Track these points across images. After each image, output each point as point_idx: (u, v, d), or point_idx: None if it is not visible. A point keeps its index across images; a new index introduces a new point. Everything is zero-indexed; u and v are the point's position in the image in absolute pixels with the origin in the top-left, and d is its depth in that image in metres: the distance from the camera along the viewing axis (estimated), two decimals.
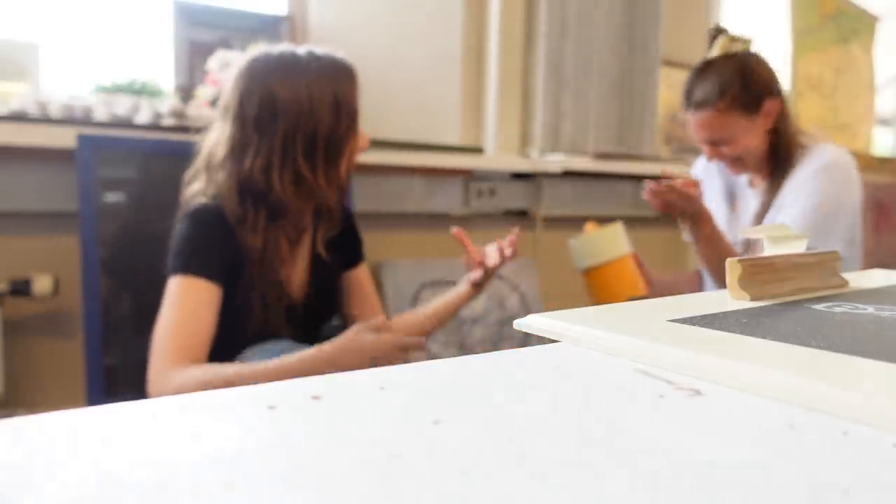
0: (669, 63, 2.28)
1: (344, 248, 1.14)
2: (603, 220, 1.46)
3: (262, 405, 0.23)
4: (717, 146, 1.23)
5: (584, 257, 1.22)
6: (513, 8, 1.84)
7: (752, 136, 1.22)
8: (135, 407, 0.23)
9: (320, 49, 0.99)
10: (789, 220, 1.16)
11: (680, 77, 2.35)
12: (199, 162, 1.00)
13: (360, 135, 1.00)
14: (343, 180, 1.00)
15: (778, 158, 1.23)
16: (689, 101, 1.23)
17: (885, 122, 3.43)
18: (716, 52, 1.22)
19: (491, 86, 1.86)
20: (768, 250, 0.49)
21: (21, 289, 1.22)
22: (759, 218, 1.26)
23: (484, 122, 1.89)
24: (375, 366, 0.99)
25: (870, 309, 0.38)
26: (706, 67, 1.21)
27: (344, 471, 0.18)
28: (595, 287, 1.23)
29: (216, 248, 0.94)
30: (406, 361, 0.90)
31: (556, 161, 1.83)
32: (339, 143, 0.96)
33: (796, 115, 1.31)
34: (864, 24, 2.91)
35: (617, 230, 1.24)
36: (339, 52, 1.00)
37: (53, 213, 1.28)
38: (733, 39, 1.21)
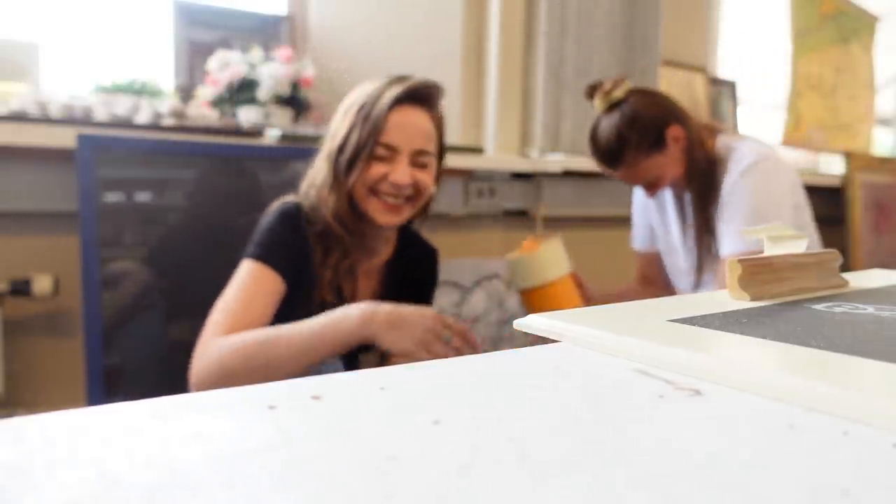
0: (669, 63, 2.28)
1: (420, 286, 1.15)
2: (603, 221, 1.46)
3: (262, 405, 0.23)
4: (650, 186, 1.25)
5: (522, 278, 1.15)
6: (513, 8, 1.84)
7: (673, 165, 1.22)
8: (135, 407, 0.23)
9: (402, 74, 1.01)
10: (735, 233, 1.16)
11: (680, 77, 2.35)
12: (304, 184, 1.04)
13: (376, 157, 0.96)
14: (356, 188, 0.98)
15: (701, 167, 1.23)
16: (601, 162, 1.23)
17: (885, 122, 3.43)
18: (599, 109, 1.21)
19: (491, 86, 1.86)
20: (768, 250, 0.48)
21: (21, 289, 1.22)
22: (699, 226, 1.25)
23: (484, 122, 1.89)
24: (426, 349, 0.89)
25: (870, 309, 0.38)
26: (597, 129, 1.21)
27: (344, 471, 0.18)
28: (533, 309, 1.15)
29: (293, 246, 0.97)
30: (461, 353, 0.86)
31: (556, 161, 1.83)
32: (351, 158, 0.96)
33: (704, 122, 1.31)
34: (864, 24, 2.91)
35: (555, 249, 1.16)
36: (408, 74, 1.01)
37: (53, 213, 1.28)
38: (608, 91, 1.19)
